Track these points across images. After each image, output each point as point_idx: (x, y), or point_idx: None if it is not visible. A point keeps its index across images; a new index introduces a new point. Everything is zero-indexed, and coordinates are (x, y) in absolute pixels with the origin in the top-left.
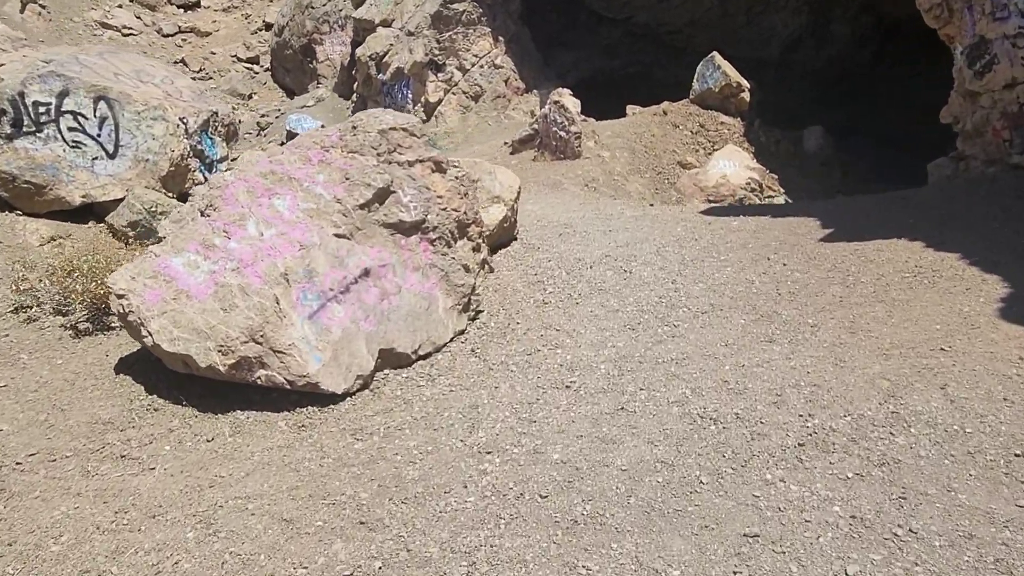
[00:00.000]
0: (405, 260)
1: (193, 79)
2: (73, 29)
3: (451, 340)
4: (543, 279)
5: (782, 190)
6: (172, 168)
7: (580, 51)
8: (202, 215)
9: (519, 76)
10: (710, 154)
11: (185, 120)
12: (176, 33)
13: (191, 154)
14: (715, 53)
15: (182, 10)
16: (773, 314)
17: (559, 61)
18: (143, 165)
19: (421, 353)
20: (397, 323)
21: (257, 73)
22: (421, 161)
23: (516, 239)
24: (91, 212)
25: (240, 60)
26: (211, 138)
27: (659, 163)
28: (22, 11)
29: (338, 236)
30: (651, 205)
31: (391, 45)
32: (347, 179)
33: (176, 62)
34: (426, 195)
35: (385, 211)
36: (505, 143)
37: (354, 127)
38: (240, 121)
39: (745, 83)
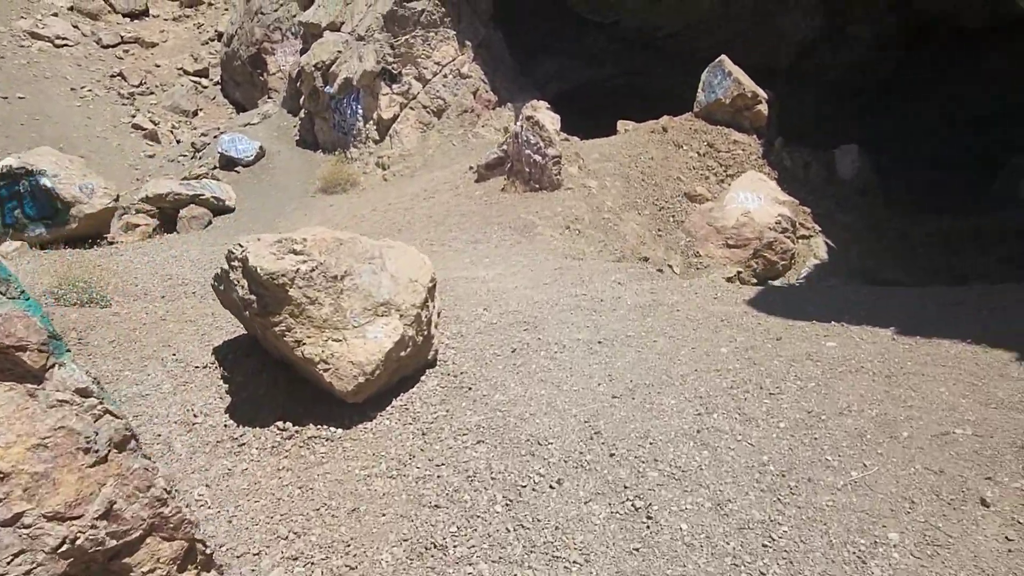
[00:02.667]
0: None
1: (131, 94)
2: None
3: None
4: (450, 526)
5: (818, 228)
6: None
7: (563, 59)
8: None
9: (490, 87)
10: (723, 181)
11: None
12: (118, 44)
13: None
14: (724, 57)
15: (128, 19)
16: None
17: (539, 70)
18: None
19: None
20: None
21: (205, 87)
22: None
23: (435, 364)
24: None
25: (187, 73)
26: None
27: (660, 194)
28: None
29: None
30: (660, 271)
31: (339, 52)
32: None
33: (113, 75)
34: None
35: None
36: (470, 168)
37: None
38: (178, 141)
39: (762, 93)
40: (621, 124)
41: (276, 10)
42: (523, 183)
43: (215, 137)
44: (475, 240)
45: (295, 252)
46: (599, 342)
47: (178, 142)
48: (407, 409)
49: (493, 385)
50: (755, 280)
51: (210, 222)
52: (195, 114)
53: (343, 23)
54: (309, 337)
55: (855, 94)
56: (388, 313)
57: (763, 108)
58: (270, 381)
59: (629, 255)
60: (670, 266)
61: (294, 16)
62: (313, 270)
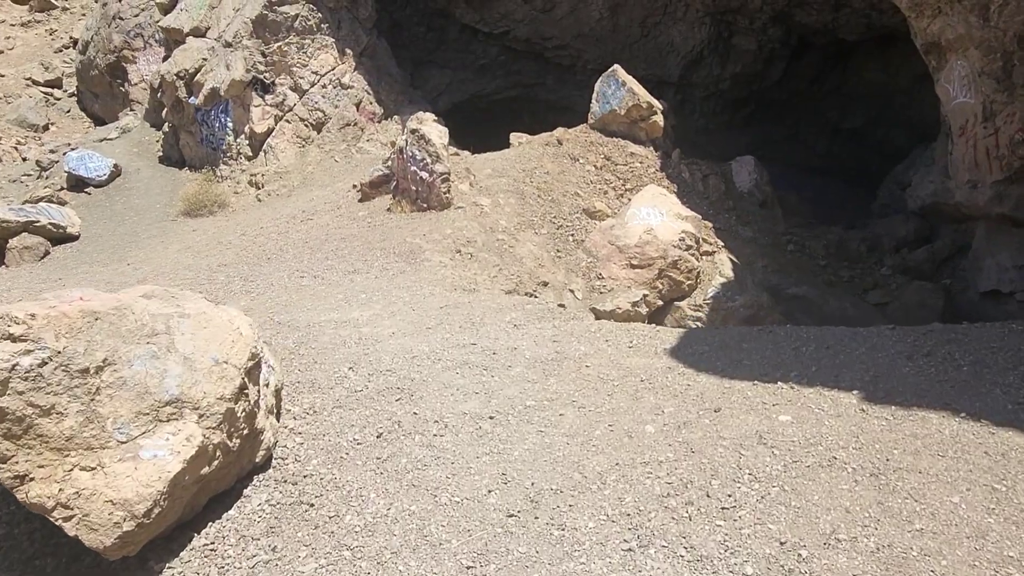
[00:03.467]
0: None
1: None
2: None
3: None
4: None
5: (721, 243)
6: None
7: (454, 71)
8: None
9: (375, 99)
10: (622, 196)
11: None
12: None
13: None
14: (617, 67)
15: None
16: None
17: (429, 82)
18: None
19: None
20: None
21: (59, 99)
22: None
23: (269, 465)
24: None
25: (36, 83)
26: None
27: (558, 211)
28: None
29: None
30: (562, 306)
31: (204, 60)
32: None
33: None
34: None
35: None
36: (354, 186)
37: None
38: (24, 159)
39: (656, 103)
40: (514, 137)
41: (137, 15)
42: (410, 202)
43: (64, 155)
44: (353, 270)
45: (13, 338)
46: (491, 417)
47: (24, 160)
48: (213, 552)
49: (346, 497)
50: (662, 302)
51: (47, 253)
52: (46, 128)
53: (208, 28)
54: (41, 467)
55: (742, 105)
56: (179, 415)
57: (659, 119)
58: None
59: (527, 280)
60: (572, 291)
61: (157, 22)
62: (44, 364)
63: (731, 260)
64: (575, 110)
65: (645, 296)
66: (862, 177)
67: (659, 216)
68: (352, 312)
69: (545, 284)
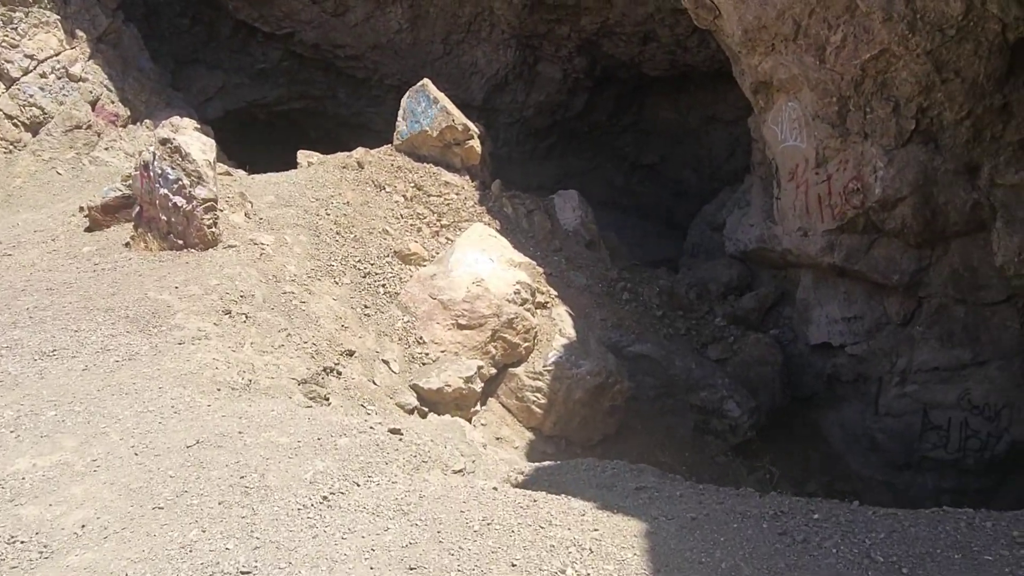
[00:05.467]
0: None
1: None
2: None
3: None
4: None
5: (554, 292)
6: None
7: (226, 74)
8: None
9: (119, 97)
10: (438, 233)
11: None
12: None
13: None
14: (427, 81)
15: None
16: None
17: (195, 84)
18: None
19: None
20: None
21: None
22: None
23: None
24: None
25: None
26: None
27: (364, 254)
28: None
29: None
30: (396, 432)
31: None
32: None
33: None
34: None
35: None
36: (81, 209)
37: None
38: None
39: (473, 126)
40: (303, 156)
41: None
42: (159, 238)
43: None
44: (52, 349)
45: None
46: None
47: None
48: None
49: None
50: (495, 370)
51: None
52: None
53: None
54: None
55: (546, 135)
56: None
57: (476, 144)
58: None
59: (326, 348)
60: (386, 362)
61: None
62: None
63: (569, 315)
64: (370, 128)
65: (480, 368)
66: (654, 212)
67: (489, 263)
68: (20, 457)
69: (351, 354)
